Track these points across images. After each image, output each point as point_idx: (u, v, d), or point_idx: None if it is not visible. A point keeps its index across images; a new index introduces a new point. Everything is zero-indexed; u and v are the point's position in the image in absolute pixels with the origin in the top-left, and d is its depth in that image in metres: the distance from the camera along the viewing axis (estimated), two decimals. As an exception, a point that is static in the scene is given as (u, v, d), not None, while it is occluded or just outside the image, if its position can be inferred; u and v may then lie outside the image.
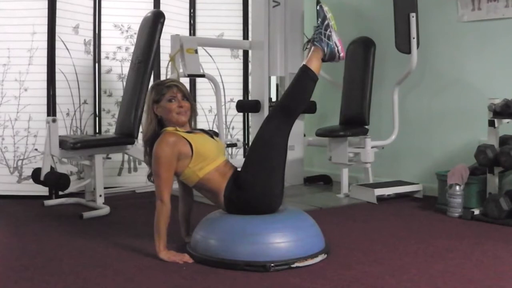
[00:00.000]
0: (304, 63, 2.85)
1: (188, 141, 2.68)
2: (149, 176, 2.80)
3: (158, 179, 2.65)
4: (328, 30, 2.86)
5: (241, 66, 5.27)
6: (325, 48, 2.85)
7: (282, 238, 2.55)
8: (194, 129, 2.87)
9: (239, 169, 2.79)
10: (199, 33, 5.14)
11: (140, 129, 3.87)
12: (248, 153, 2.89)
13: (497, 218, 3.38)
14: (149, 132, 2.79)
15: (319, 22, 2.91)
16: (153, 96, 2.79)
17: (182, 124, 2.78)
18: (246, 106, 4.80)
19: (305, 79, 2.81)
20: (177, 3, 5.01)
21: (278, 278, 2.38)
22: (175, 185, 2.85)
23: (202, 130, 2.94)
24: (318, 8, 2.94)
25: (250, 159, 2.79)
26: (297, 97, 2.82)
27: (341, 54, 2.87)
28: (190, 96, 2.87)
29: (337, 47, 2.86)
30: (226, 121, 5.20)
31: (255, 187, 2.69)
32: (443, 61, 4.41)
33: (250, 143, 5.06)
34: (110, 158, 4.64)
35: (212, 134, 2.94)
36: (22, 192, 4.30)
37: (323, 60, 2.88)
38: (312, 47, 2.89)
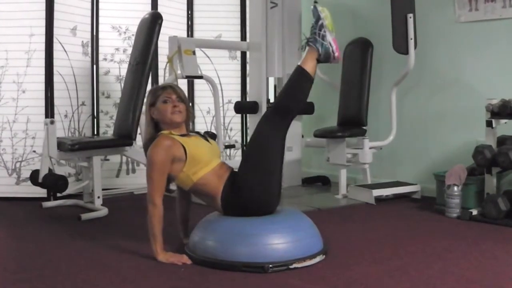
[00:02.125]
0: (299, 63, 2.83)
1: (182, 144, 2.68)
2: None
3: (150, 182, 2.64)
4: (323, 30, 2.82)
5: (239, 67, 5.28)
6: (320, 48, 2.81)
7: (280, 239, 2.55)
8: (190, 131, 2.86)
9: (236, 170, 2.79)
10: (197, 34, 5.15)
11: (139, 131, 3.88)
12: (244, 154, 2.86)
13: (495, 219, 3.38)
14: (146, 136, 2.80)
15: (313, 22, 2.87)
16: (149, 100, 2.80)
17: (177, 125, 2.76)
18: (244, 107, 4.80)
19: (299, 79, 2.79)
20: (175, 4, 5.01)
21: (277, 279, 2.38)
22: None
23: (197, 133, 2.93)
24: (312, 8, 2.89)
25: (246, 160, 2.79)
26: (292, 97, 2.81)
27: (336, 54, 2.82)
28: (186, 98, 2.85)
29: (332, 47, 2.81)
30: (224, 122, 5.20)
31: (251, 188, 2.68)
32: (440, 61, 4.41)
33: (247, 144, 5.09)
34: (108, 159, 4.64)
35: (207, 137, 2.92)
36: (20, 194, 4.29)
37: (318, 61, 2.84)
38: (307, 48, 2.87)
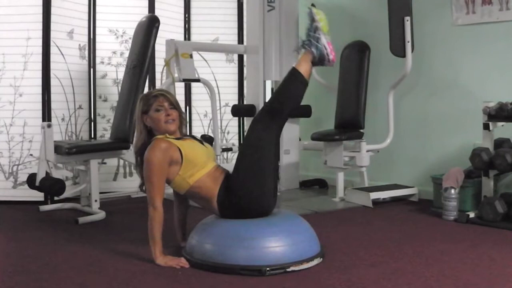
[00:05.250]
0: (293, 66, 2.84)
1: (178, 147, 2.68)
2: (141, 186, 2.79)
3: (150, 185, 2.64)
4: (317, 32, 2.82)
5: (236, 70, 5.28)
6: (314, 51, 2.81)
7: (277, 242, 2.55)
8: (184, 135, 2.87)
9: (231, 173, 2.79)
10: (194, 37, 5.15)
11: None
12: (238, 156, 2.85)
13: (492, 221, 3.39)
14: (139, 143, 2.79)
15: (308, 25, 2.88)
16: (141, 107, 2.80)
17: (171, 133, 2.77)
18: (241, 110, 4.81)
19: (293, 82, 2.80)
20: (172, 7, 5.01)
21: (274, 282, 2.38)
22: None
23: (192, 137, 2.94)
24: (308, 11, 2.89)
25: (239, 162, 2.77)
26: (285, 99, 2.80)
27: (331, 57, 2.82)
28: (178, 104, 2.86)
29: (326, 49, 2.81)
30: (221, 126, 5.20)
31: (246, 190, 2.68)
32: (438, 64, 4.42)
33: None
34: (105, 163, 4.63)
35: (202, 140, 2.93)
36: (17, 198, 4.29)
37: (313, 64, 2.85)
38: (302, 50, 2.87)
